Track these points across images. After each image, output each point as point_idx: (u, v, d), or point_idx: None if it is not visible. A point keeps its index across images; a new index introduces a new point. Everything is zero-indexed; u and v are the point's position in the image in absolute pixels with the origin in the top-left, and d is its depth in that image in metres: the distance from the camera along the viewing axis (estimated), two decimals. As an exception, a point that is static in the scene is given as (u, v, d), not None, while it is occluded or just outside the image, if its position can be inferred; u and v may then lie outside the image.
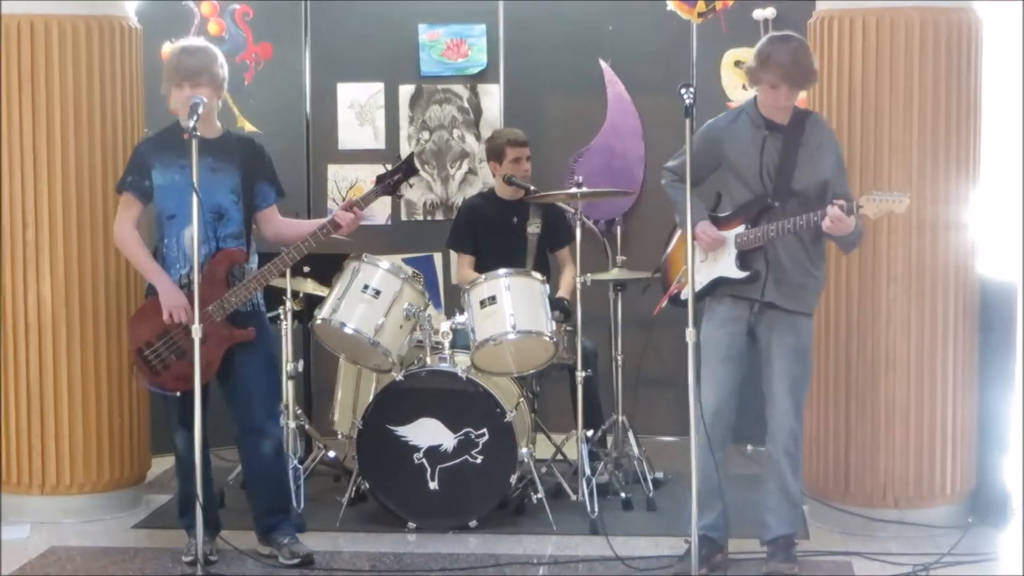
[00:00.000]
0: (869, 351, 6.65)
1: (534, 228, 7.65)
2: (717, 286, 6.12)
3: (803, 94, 6.24)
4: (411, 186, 6.63)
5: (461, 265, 7.77)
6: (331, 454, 7.55)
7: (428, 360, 6.92)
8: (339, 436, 7.51)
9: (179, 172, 6.23)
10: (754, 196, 6.05)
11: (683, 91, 5.76)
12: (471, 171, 8.63)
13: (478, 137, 8.56)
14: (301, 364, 7.29)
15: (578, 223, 7.08)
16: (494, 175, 7.76)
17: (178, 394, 6.25)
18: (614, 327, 7.48)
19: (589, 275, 7.11)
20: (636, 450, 7.36)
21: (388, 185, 6.50)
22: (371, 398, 6.96)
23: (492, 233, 7.66)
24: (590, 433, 7.17)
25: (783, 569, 6.13)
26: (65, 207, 6.89)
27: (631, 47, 8.52)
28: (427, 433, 6.80)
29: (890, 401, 6.65)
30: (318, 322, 6.89)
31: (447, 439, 6.79)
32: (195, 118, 5.99)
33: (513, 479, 6.81)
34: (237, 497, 6.95)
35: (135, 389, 6.97)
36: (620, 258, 7.51)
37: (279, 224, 6.50)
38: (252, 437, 6.37)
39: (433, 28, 8.58)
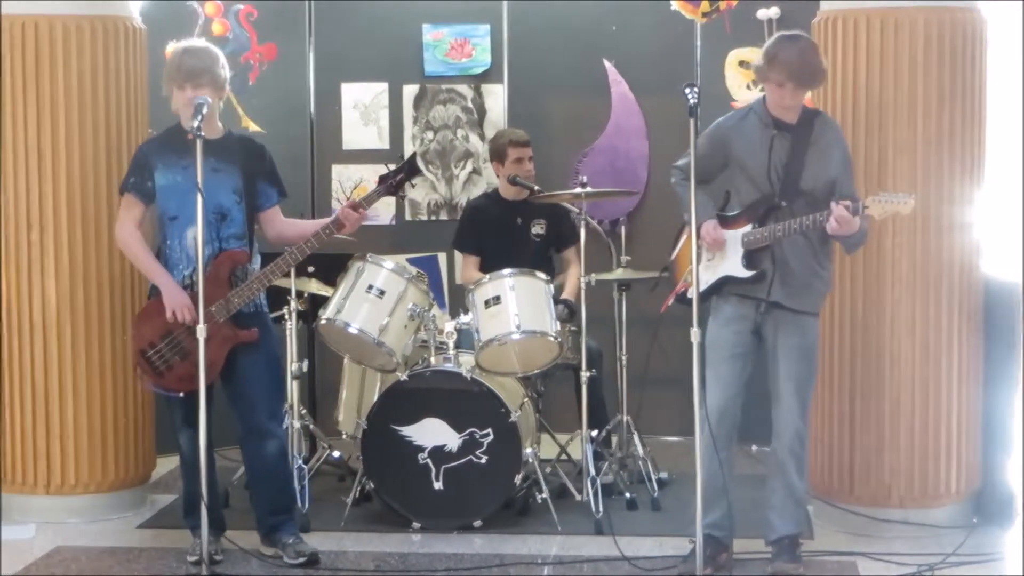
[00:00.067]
0: (874, 351, 6.65)
1: (538, 229, 7.66)
2: (724, 285, 6.12)
3: (808, 94, 6.24)
4: (413, 186, 6.63)
5: (466, 265, 7.78)
6: (336, 454, 7.55)
7: (433, 360, 6.93)
8: (344, 436, 7.51)
9: (181, 173, 6.24)
10: (761, 195, 6.05)
11: (687, 91, 5.76)
12: (475, 171, 8.63)
13: (482, 137, 8.57)
14: (306, 364, 7.29)
15: (582, 223, 7.08)
16: (498, 176, 7.76)
17: (181, 395, 6.25)
18: (618, 327, 7.49)
19: (593, 275, 7.12)
20: (641, 450, 7.36)
21: (390, 185, 6.50)
22: (376, 398, 6.96)
23: (496, 234, 7.66)
24: (595, 433, 7.17)
25: (788, 569, 6.13)
26: (70, 207, 6.89)
27: (635, 47, 8.52)
28: (432, 433, 6.80)
29: (895, 401, 6.65)
30: (323, 322, 6.89)
31: (452, 439, 6.79)
32: (199, 118, 5.98)
33: (518, 479, 6.81)
34: (241, 497, 6.95)
35: (140, 389, 6.97)
36: (624, 258, 7.51)
37: (282, 225, 6.50)
38: (255, 437, 6.37)
39: (437, 28, 8.58)
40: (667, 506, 7.11)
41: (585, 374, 7.04)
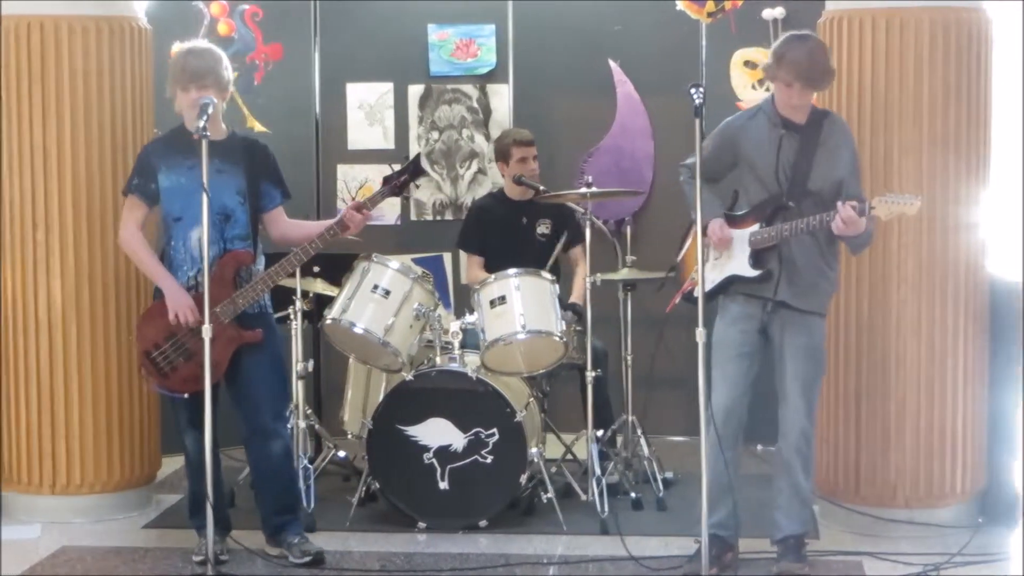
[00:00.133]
0: (879, 351, 6.65)
1: (543, 228, 7.66)
2: (730, 284, 6.12)
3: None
4: (418, 187, 6.64)
5: (470, 265, 7.78)
6: (341, 454, 7.55)
7: (438, 360, 6.93)
8: (349, 436, 7.52)
9: (185, 174, 6.24)
10: (769, 195, 6.05)
11: (693, 91, 5.76)
12: (480, 171, 8.63)
13: (487, 137, 8.57)
14: (311, 364, 7.29)
15: (588, 223, 7.08)
16: (503, 176, 7.76)
17: (186, 396, 6.25)
18: (624, 327, 7.48)
19: (599, 275, 7.12)
20: (646, 450, 7.36)
21: (395, 186, 6.50)
22: (381, 398, 6.96)
23: (501, 233, 7.66)
24: (600, 433, 7.17)
25: (793, 569, 6.13)
26: (75, 207, 6.89)
27: (640, 47, 8.52)
28: (437, 433, 6.80)
29: (900, 401, 6.64)
30: (328, 322, 6.89)
31: (457, 439, 6.79)
32: (205, 118, 5.98)
33: (523, 479, 6.81)
34: (247, 497, 6.95)
35: (145, 389, 6.98)
36: (630, 258, 7.50)
37: (285, 226, 6.50)
38: (260, 438, 6.37)
39: (442, 28, 8.59)
40: (672, 506, 7.10)
41: (590, 374, 7.04)
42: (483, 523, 6.81)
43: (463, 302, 7.90)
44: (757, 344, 6.12)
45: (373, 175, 8.46)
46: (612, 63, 8.55)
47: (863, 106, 6.60)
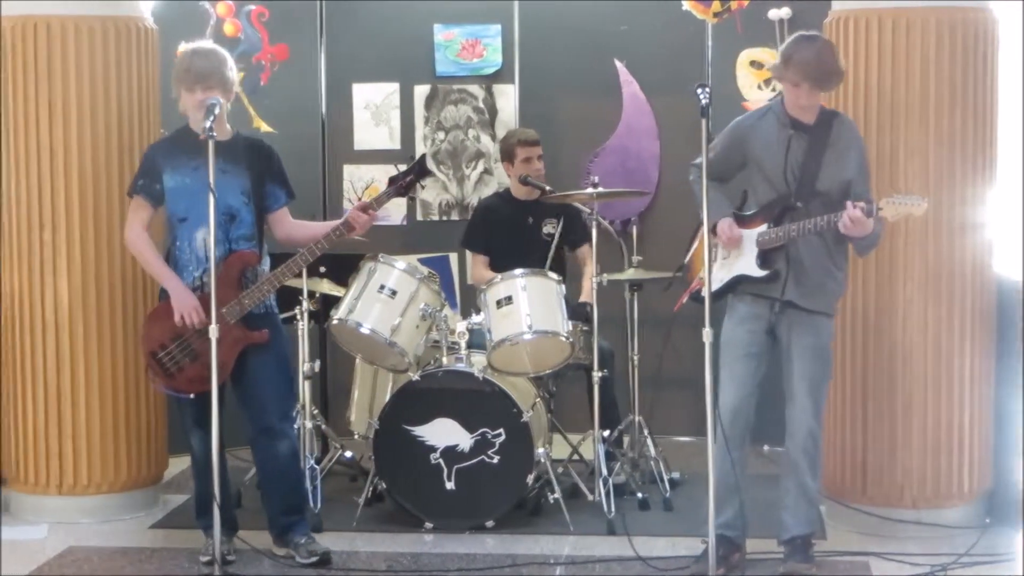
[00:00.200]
0: (886, 351, 6.65)
1: (549, 228, 7.66)
2: (738, 284, 6.12)
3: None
4: (423, 187, 6.63)
5: (476, 265, 7.78)
6: (348, 454, 7.55)
7: (444, 360, 6.93)
8: (356, 436, 7.52)
9: (190, 175, 6.25)
10: (777, 195, 6.05)
11: (699, 91, 5.76)
12: (486, 171, 8.64)
13: (493, 137, 8.57)
14: (317, 364, 7.29)
15: (594, 223, 7.07)
16: (509, 176, 7.76)
17: (192, 396, 6.26)
18: (630, 327, 7.48)
19: (605, 275, 7.12)
20: (653, 450, 7.36)
21: (400, 186, 6.50)
22: (388, 398, 6.96)
23: (506, 233, 7.66)
24: (607, 433, 7.17)
25: (800, 569, 6.12)
26: (82, 207, 6.90)
27: (646, 47, 8.52)
28: (444, 433, 6.80)
29: (907, 401, 6.64)
30: (334, 322, 6.89)
31: (464, 439, 6.79)
32: (211, 119, 5.99)
33: (530, 479, 6.81)
34: (254, 497, 6.95)
35: (152, 389, 6.98)
36: (636, 258, 7.50)
37: (290, 226, 6.50)
38: (266, 438, 6.37)
39: (448, 28, 8.59)
40: (679, 506, 7.10)
41: (597, 374, 7.04)
42: (490, 523, 6.81)
43: (469, 302, 7.91)
44: (765, 344, 6.12)
45: (379, 175, 8.46)
46: (618, 63, 8.55)
47: (869, 106, 6.60)
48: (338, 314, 6.87)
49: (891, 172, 6.56)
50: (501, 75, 8.61)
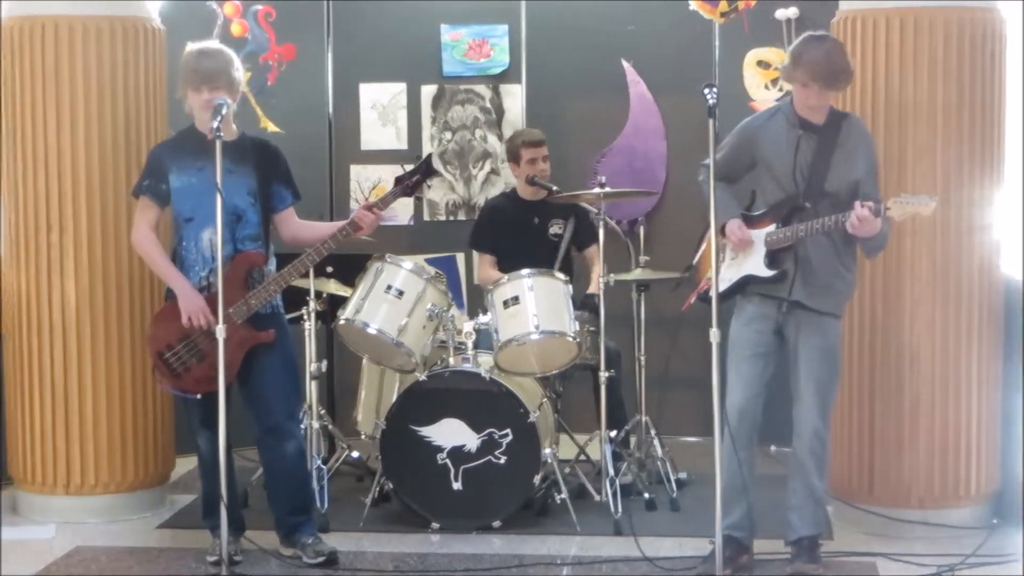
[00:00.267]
0: (893, 351, 6.64)
1: (555, 229, 7.66)
2: (746, 284, 6.12)
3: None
4: (429, 187, 6.64)
5: (481, 264, 7.78)
6: (354, 454, 7.55)
7: (451, 360, 6.93)
8: (362, 436, 7.53)
9: (196, 175, 6.25)
10: (786, 196, 6.04)
11: (706, 91, 5.76)
12: (493, 171, 8.63)
13: (500, 137, 8.57)
14: (324, 364, 7.29)
15: (601, 223, 7.07)
16: (515, 176, 7.76)
17: (199, 396, 6.26)
18: (637, 327, 7.48)
19: (612, 275, 7.12)
20: (660, 450, 7.36)
21: (406, 186, 6.50)
22: (394, 398, 6.96)
23: (513, 233, 7.66)
24: (613, 433, 7.16)
25: (808, 570, 6.12)
26: (89, 208, 6.90)
27: (653, 47, 8.52)
28: (451, 433, 6.80)
29: (914, 401, 6.63)
30: (341, 322, 6.90)
31: (470, 439, 6.79)
32: (218, 119, 5.99)
33: (536, 479, 6.80)
34: (261, 497, 6.95)
35: (159, 389, 6.98)
36: (643, 258, 7.49)
37: (296, 227, 6.49)
38: (273, 438, 6.37)
39: (455, 28, 8.59)
40: (686, 507, 7.10)
41: (604, 374, 7.04)
42: (497, 523, 6.81)
43: (476, 302, 7.90)
44: (772, 344, 6.12)
45: (386, 175, 8.46)
46: (625, 63, 8.55)
47: (877, 105, 6.59)
48: (345, 314, 6.88)
49: (899, 172, 6.55)
50: (508, 75, 8.61)
